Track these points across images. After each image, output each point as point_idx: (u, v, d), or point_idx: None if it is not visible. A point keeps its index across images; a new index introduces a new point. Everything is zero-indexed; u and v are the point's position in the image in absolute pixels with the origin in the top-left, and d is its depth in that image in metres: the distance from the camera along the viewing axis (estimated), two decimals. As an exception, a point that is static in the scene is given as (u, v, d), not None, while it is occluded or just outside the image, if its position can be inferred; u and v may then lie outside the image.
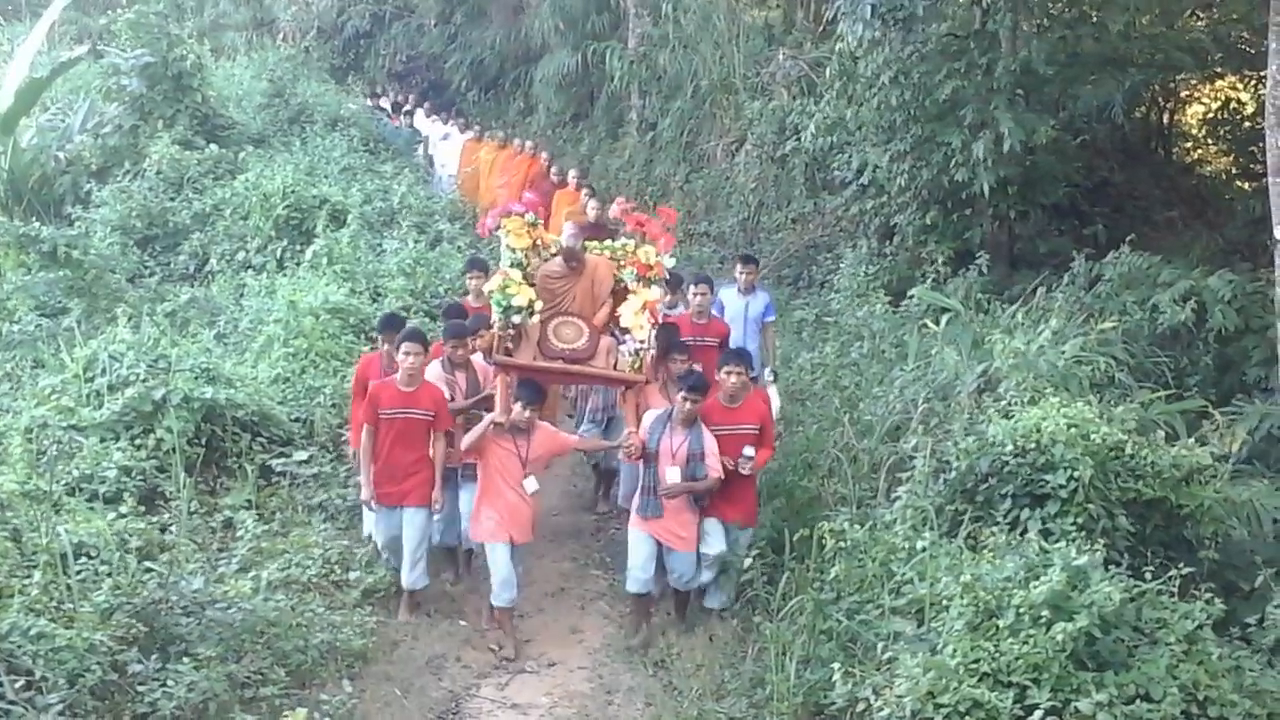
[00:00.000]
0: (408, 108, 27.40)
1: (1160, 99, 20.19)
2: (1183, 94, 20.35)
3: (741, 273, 13.17)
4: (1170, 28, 17.95)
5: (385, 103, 28.32)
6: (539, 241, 11.42)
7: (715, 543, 10.16)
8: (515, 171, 20.77)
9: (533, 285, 10.88)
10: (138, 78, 19.78)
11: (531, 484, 10.20)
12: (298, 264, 16.32)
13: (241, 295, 15.73)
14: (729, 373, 10.27)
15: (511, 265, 10.98)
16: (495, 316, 10.64)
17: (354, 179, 19.61)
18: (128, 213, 17.56)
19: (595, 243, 11.73)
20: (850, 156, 17.58)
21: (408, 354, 10.01)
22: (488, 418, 10.12)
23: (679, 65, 24.44)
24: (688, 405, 9.94)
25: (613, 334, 11.09)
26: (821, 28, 22.10)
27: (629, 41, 25.85)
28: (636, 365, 10.70)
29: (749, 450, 10.03)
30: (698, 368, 10.80)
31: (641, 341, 10.72)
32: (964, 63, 15.58)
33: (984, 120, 15.32)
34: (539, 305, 10.74)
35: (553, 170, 20.06)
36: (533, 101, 29.64)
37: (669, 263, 11.59)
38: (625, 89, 26.19)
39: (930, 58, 15.80)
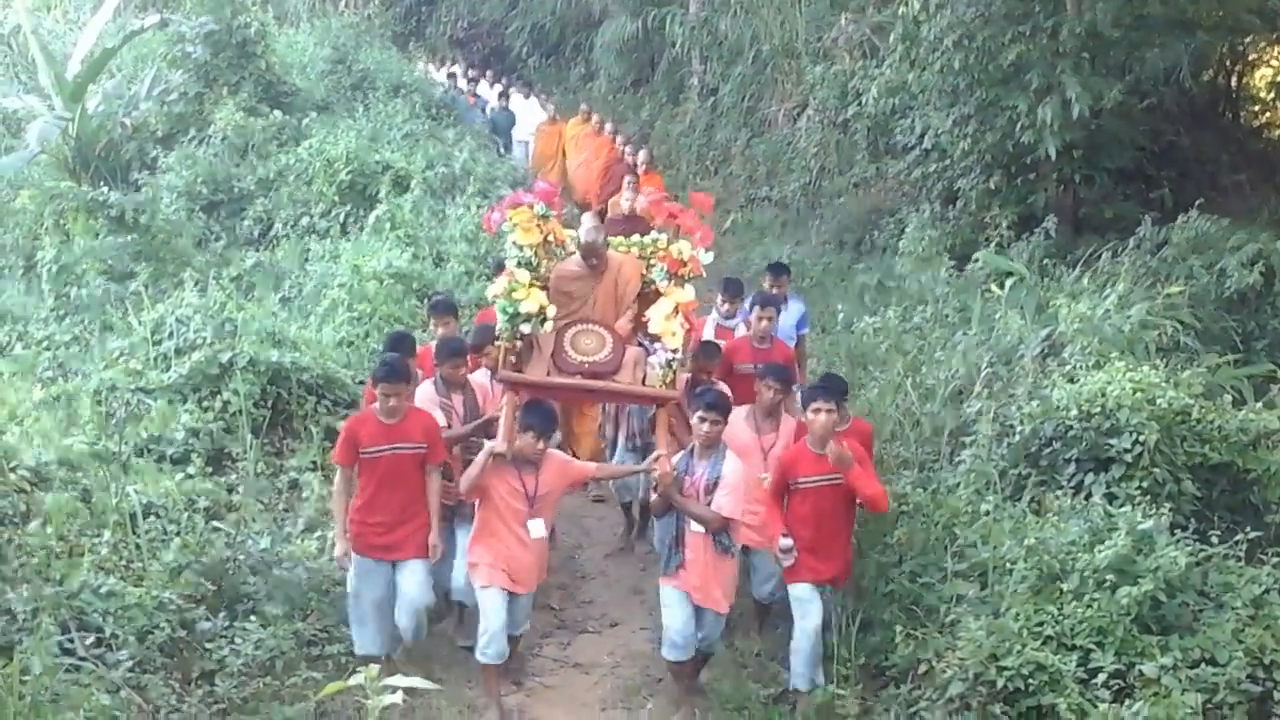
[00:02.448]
0: (490, 85, 26.81)
1: (1228, 62, 19.95)
2: (1250, 57, 20.10)
3: (772, 285, 11.43)
4: (1238, -10, 17.71)
5: (443, 74, 27.80)
6: (552, 237, 9.78)
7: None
8: (595, 156, 20.20)
9: (545, 288, 9.30)
10: (202, 45, 19.94)
11: (538, 527, 8.53)
12: (361, 229, 16.45)
13: (306, 260, 15.92)
14: (817, 410, 8.41)
15: (519, 265, 9.30)
16: (501, 325, 9.07)
17: (416, 145, 19.66)
18: (193, 178, 17.78)
19: (622, 239, 10.09)
20: (913, 121, 17.48)
21: (387, 395, 8.40)
22: (486, 448, 8.47)
23: (740, 30, 24.39)
24: (705, 427, 8.30)
25: (641, 343, 9.45)
26: (884, -9, 21.95)
27: (690, 6, 25.77)
28: (668, 379, 9.05)
29: (785, 543, 8.39)
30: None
31: (674, 351, 9.03)
32: (1029, 26, 15.38)
33: (1049, 84, 15.15)
34: (552, 311, 9.10)
35: (639, 156, 19.33)
36: (593, 67, 29.65)
37: (707, 258, 9.74)
38: (686, 54, 26.13)
39: (995, 21, 15.62)
